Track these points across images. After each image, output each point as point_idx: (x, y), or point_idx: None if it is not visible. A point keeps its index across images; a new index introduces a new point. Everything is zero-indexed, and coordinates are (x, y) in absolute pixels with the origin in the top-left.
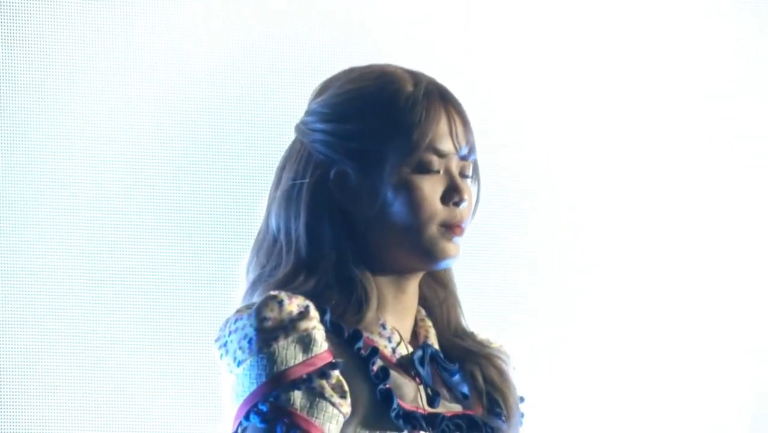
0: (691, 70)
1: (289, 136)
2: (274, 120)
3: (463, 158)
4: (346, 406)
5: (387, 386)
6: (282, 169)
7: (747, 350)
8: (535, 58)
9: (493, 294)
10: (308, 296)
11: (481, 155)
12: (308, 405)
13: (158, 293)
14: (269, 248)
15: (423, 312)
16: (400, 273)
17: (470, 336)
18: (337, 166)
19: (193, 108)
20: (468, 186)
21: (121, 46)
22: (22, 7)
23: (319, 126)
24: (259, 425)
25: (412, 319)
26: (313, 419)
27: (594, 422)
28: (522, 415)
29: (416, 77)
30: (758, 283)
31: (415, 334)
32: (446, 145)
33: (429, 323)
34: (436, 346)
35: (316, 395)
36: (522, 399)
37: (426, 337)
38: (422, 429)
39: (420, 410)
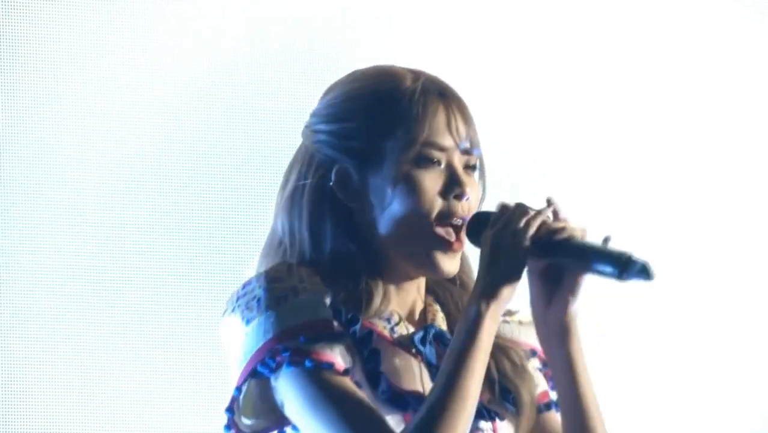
0: (687, 70)
1: (294, 136)
2: (281, 121)
3: (466, 152)
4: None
5: (379, 369)
6: (288, 172)
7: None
8: (535, 58)
9: None
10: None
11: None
12: (322, 348)
13: (161, 296)
14: (275, 250)
15: (431, 298)
16: (401, 277)
17: None
18: (338, 165)
19: (198, 107)
20: (472, 180)
21: (128, 45)
22: (27, 7)
23: (321, 127)
24: (287, 369)
25: (417, 306)
26: (329, 352)
27: None
28: (555, 404)
29: (415, 74)
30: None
31: (424, 315)
32: (445, 138)
33: (437, 307)
34: (444, 327)
35: (327, 341)
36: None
37: (433, 319)
38: (415, 411)
39: (416, 392)
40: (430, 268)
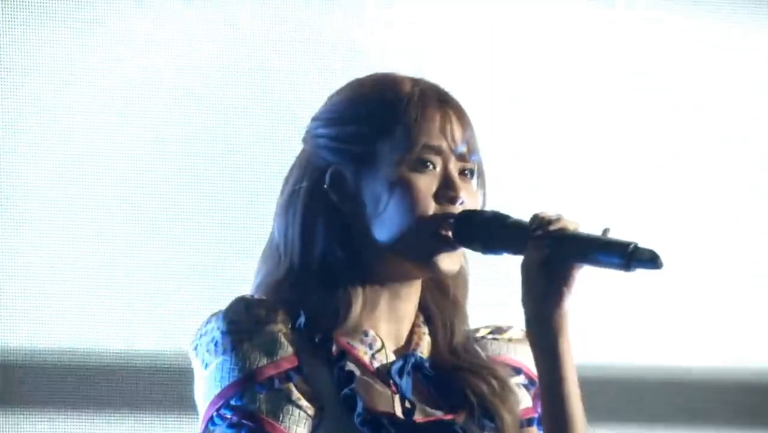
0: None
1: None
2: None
3: (462, 158)
4: (313, 409)
5: (352, 390)
6: (287, 177)
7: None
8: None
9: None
10: (289, 300)
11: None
12: (273, 408)
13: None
14: (272, 254)
15: (421, 318)
16: (395, 279)
17: (472, 341)
18: (333, 168)
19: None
20: (468, 186)
21: (129, 44)
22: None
23: (319, 131)
24: (226, 430)
25: (406, 325)
26: (279, 422)
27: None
28: (537, 421)
29: (414, 80)
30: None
31: (409, 340)
32: (441, 142)
33: (424, 330)
34: (426, 354)
35: (281, 398)
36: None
37: (417, 344)
38: None
39: (390, 414)
40: (431, 267)
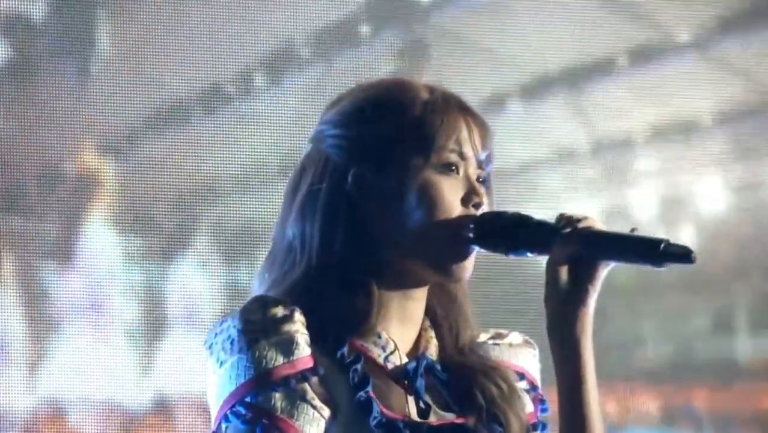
0: None
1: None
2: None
3: (481, 165)
4: (327, 410)
5: (368, 393)
6: (299, 177)
7: None
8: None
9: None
10: (306, 302)
11: None
12: (288, 407)
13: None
14: (284, 256)
15: (427, 322)
16: (408, 282)
17: (476, 346)
18: (355, 169)
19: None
20: (483, 192)
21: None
22: None
23: (335, 132)
24: (240, 426)
25: (416, 328)
26: (294, 420)
27: None
28: (544, 427)
29: (430, 86)
30: None
31: (417, 344)
32: (467, 148)
33: (431, 333)
34: (435, 357)
35: (296, 397)
36: (544, 409)
37: (426, 348)
38: None
39: (406, 417)
40: (448, 273)
